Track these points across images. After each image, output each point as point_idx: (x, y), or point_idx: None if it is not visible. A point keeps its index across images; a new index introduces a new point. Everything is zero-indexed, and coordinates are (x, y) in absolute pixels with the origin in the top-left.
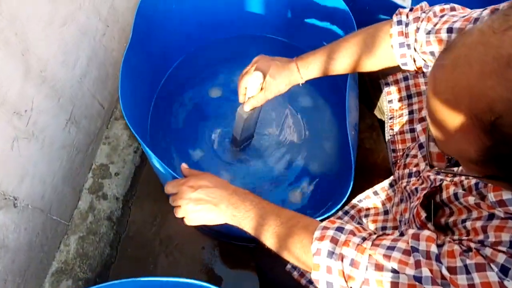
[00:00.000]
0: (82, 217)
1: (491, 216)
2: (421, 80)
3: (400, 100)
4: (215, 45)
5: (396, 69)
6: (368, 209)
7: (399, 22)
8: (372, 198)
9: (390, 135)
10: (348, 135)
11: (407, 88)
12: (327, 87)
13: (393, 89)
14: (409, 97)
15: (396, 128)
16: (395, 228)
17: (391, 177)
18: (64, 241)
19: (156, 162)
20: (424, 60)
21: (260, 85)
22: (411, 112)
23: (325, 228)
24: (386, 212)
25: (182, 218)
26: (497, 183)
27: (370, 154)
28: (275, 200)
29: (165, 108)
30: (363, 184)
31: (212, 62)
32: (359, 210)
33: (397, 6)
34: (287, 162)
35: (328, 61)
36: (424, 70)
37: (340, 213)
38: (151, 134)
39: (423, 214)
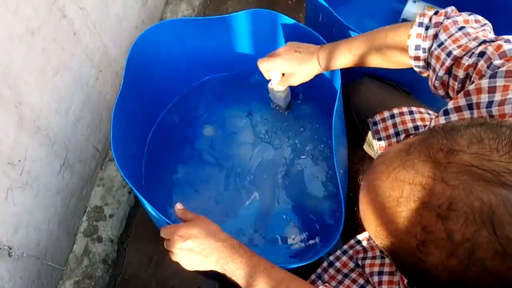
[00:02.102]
0: (77, 261)
1: None
2: (407, 117)
3: (388, 137)
4: (206, 85)
5: (382, 108)
6: (365, 251)
7: (421, 24)
8: (370, 240)
9: None
10: (337, 176)
11: (394, 126)
12: (319, 120)
13: (381, 127)
14: (397, 134)
15: None
16: (391, 273)
17: None
18: (60, 286)
19: (149, 208)
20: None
21: (280, 77)
22: None
23: None
24: (383, 256)
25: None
26: None
27: None
28: (271, 237)
29: (160, 150)
30: None
31: (205, 102)
32: (357, 252)
33: None
34: (283, 199)
35: (348, 56)
36: (430, 83)
37: (338, 252)
38: (145, 177)
39: (406, 279)
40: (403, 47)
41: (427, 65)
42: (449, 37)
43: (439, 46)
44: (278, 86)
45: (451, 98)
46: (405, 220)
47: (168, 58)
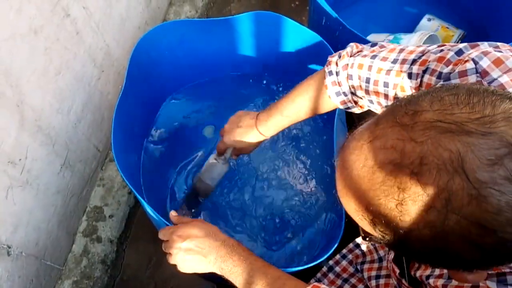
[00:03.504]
0: (76, 261)
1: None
2: None
3: None
4: (208, 86)
5: None
6: (364, 255)
7: (330, 73)
8: (368, 243)
9: None
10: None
11: None
12: (320, 122)
13: None
14: None
15: None
16: (388, 276)
17: None
18: (58, 286)
19: (148, 210)
20: (370, 101)
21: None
22: None
23: None
24: (380, 260)
25: (175, 265)
26: None
27: None
28: (270, 241)
29: (160, 151)
30: None
31: (206, 103)
32: (357, 256)
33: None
34: (283, 202)
35: (283, 119)
36: (370, 108)
37: (338, 256)
38: (145, 178)
39: (397, 270)
40: (326, 97)
41: (355, 103)
42: (369, 70)
43: (367, 82)
44: (223, 159)
45: None
46: (381, 184)
47: (171, 59)
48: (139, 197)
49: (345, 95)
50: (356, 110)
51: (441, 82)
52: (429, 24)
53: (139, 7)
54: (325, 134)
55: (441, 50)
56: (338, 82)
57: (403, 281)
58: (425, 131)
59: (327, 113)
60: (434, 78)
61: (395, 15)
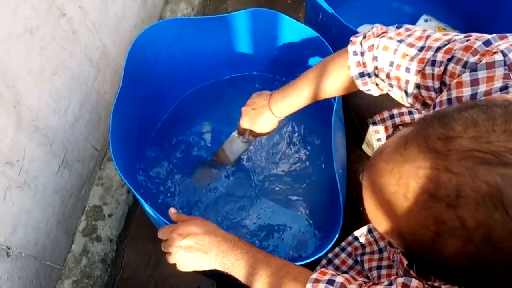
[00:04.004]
0: (76, 260)
1: None
2: (407, 117)
3: (388, 138)
4: (205, 84)
5: (382, 108)
6: (364, 247)
7: (355, 53)
8: (368, 235)
9: None
10: (336, 175)
11: (394, 126)
12: (318, 121)
13: (380, 128)
14: None
15: None
16: (389, 267)
17: None
18: (58, 286)
19: (148, 208)
20: (390, 84)
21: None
22: None
23: (316, 280)
24: (380, 251)
25: (175, 264)
26: None
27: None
28: (270, 237)
29: (158, 149)
30: (360, 215)
31: (203, 101)
32: (356, 248)
33: None
34: (282, 199)
35: (299, 100)
36: (389, 92)
37: (337, 249)
38: (144, 176)
39: (405, 262)
40: (348, 77)
41: (376, 85)
42: (394, 53)
43: (390, 65)
44: (243, 137)
45: (429, 106)
46: (415, 214)
47: (167, 58)
48: (138, 195)
49: (369, 76)
50: (375, 93)
51: (468, 74)
52: (425, 25)
53: (135, 6)
54: (323, 132)
55: (468, 40)
56: (363, 63)
57: (411, 272)
58: (461, 161)
59: (325, 110)
60: (459, 67)
61: (392, 11)
